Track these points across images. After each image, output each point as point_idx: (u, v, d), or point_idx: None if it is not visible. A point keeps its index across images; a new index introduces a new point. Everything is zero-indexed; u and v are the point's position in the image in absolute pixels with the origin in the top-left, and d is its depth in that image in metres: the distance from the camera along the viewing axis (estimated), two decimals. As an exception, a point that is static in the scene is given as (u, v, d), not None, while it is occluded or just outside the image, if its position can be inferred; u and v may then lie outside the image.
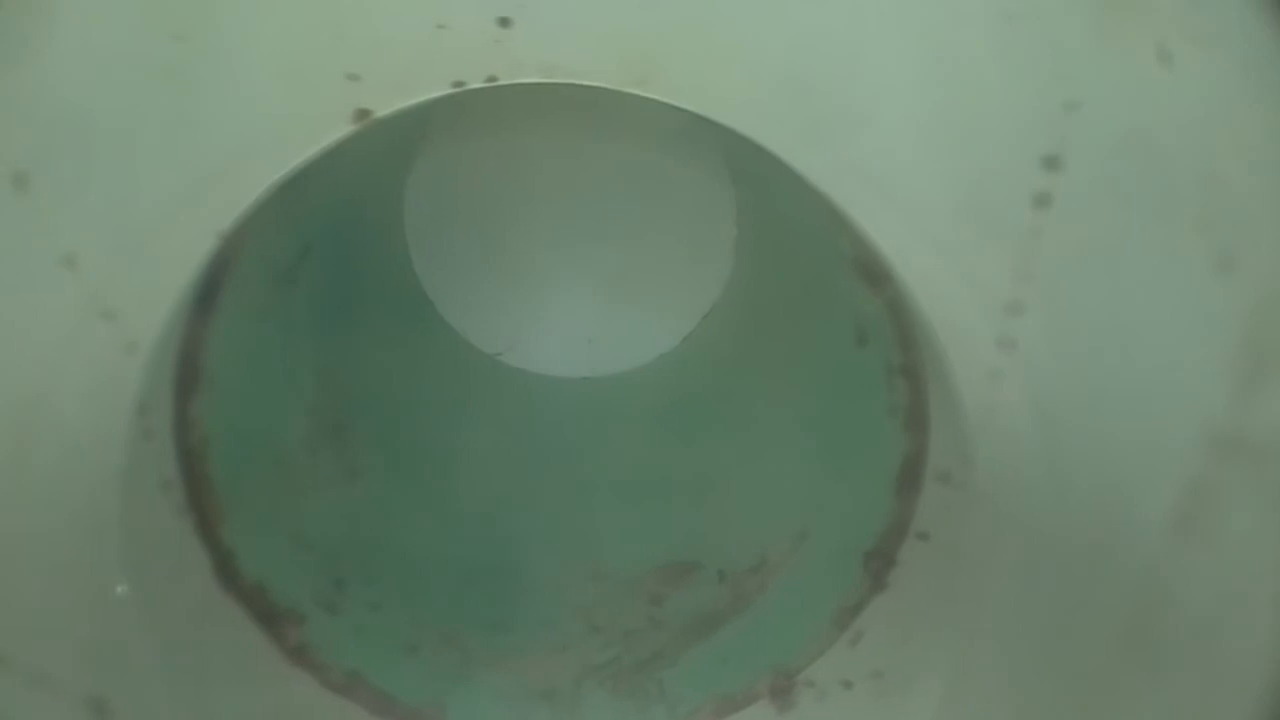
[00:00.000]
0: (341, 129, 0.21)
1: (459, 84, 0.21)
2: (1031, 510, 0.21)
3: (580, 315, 0.39)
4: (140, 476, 0.24)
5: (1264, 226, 0.16)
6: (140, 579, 0.24)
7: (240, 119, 0.20)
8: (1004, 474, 0.21)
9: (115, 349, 0.21)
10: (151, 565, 0.24)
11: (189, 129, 0.20)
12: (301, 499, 0.31)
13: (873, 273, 0.27)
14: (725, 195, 0.37)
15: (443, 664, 0.29)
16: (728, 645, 0.29)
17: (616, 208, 0.38)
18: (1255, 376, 0.17)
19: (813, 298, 0.34)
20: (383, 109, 0.21)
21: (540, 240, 0.38)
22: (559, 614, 0.32)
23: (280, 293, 0.30)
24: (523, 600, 0.32)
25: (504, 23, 0.20)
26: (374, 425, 0.34)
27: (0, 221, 0.19)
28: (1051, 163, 0.18)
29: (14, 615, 0.22)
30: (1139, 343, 0.18)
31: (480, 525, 0.34)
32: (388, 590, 0.31)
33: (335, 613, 0.29)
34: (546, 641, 0.31)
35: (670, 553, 0.33)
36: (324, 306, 0.33)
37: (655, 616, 0.31)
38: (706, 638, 0.30)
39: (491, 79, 0.21)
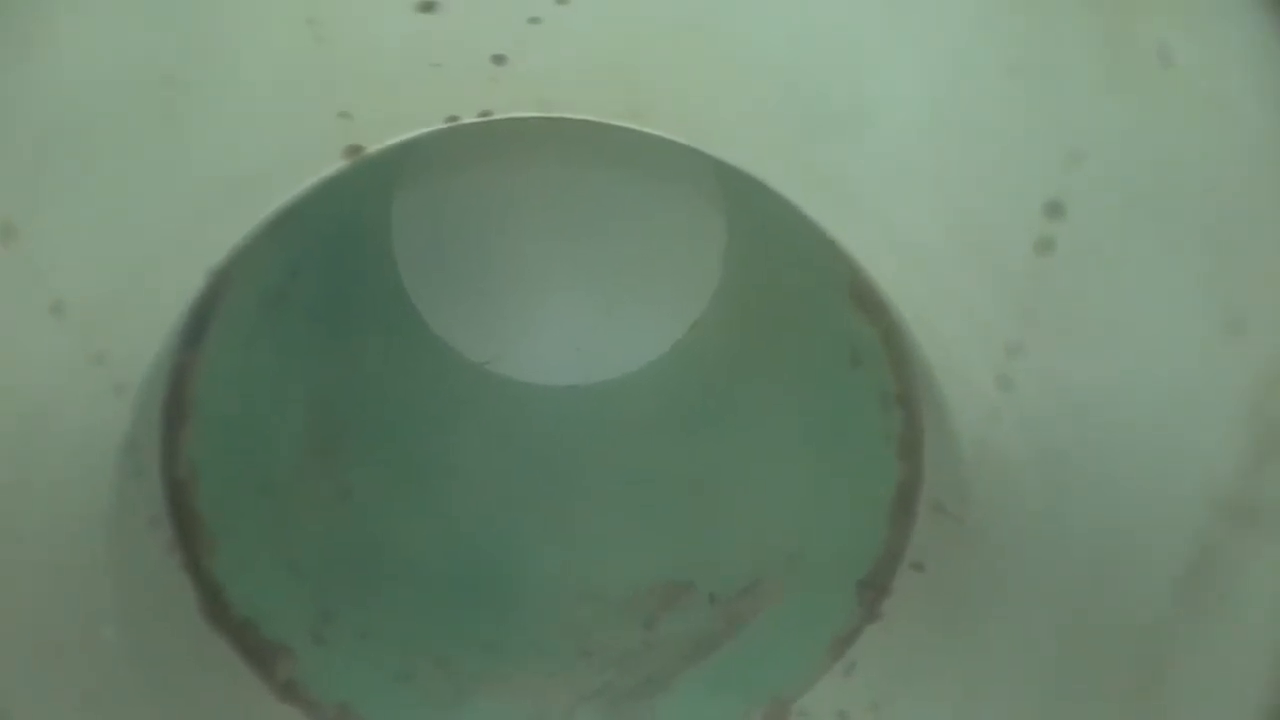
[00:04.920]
0: (332, 164, 0.21)
1: (453, 119, 0.21)
2: (1030, 552, 0.21)
3: (569, 322, 0.39)
4: (129, 515, 0.23)
5: (1276, 289, 0.16)
6: (128, 619, 0.23)
7: (230, 159, 0.20)
8: (1001, 512, 0.21)
9: (104, 391, 0.21)
10: (139, 605, 0.24)
11: (178, 171, 0.19)
12: (291, 524, 0.30)
13: (868, 301, 0.27)
14: (716, 203, 0.37)
15: (434, 692, 0.29)
16: (721, 671, 0.29)
17: (605, 213, 0.38)
18: (1267, 443, 0.16)
19: (805, 313, 0.34)
20: (374, 144, 0.21)
21: (528, 248, 0.38)
22: (552, 636, 0.31)
23: (268, 315, 0.30)
24: (515, 621, 0.32)
25: (499, 60, 0.20)
26: (364, 443, 0.34)
27: (-12, 271, 0.19)
28: (1054, 209, 0.18)
29: (1, 658, 0.22)
30: (1144, 398, 0.18)
31: (472, 543, 0.34)
32: (379, 615, 0.30)
33: (325, 643, 0.28)
34: (539, 666, 0.30)
35: (662, 571, 0.33)
36: (312, 325, 0.33)
37: (648, 640, 0.31)
38: (699, 662, 0.30)
39: (486, 114, 0.21)
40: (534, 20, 0.19)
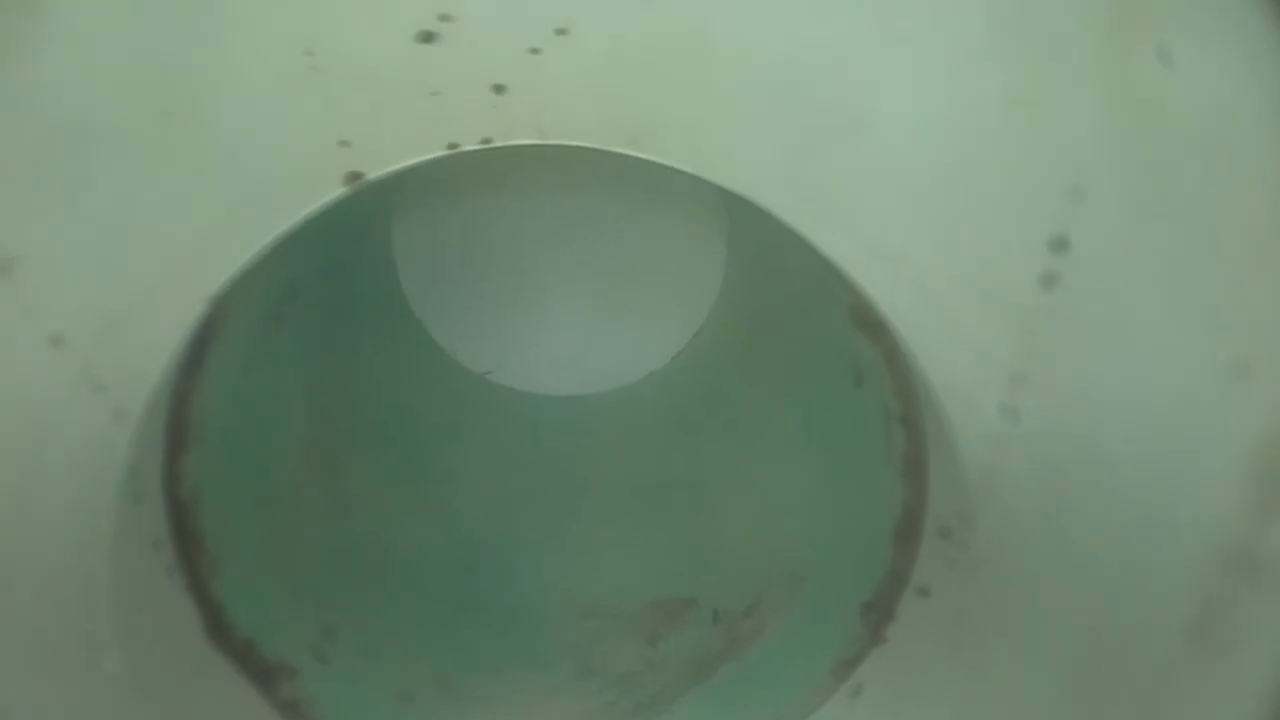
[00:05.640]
0: (332, 191, 0.21)
1: (453, 146, 0.21)
2: (1035, 584, 0.21)
3: (570, 332, 0.39)
4: (131, 540, 0.23)
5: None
6: (131, 643, 0.23)
7: (230, 189, 0.20)
8: (1007, 542, 0.21)
9: (104, 419, 0.21)
10: (142, 628, 0.24)
11: (178, 202, 0.19)
12: (293, 541, 0.30)
13: (869, 323, 0.26)
14: (717, 214, 0.37)
15: (437, 712, 0.29)
16: (724, 692, 0.29)
17: (605, 226, 0.38)
18: (1270, 492, 0.16)
19: (807, 329, 0.34)
20: (374, 171, 0.21)
21: (529, 257, 0.38)
22: (554, 654, 0.31)
23: (267, 333, 0.30)
24: (517, 639, 0.32)
25: (499, 89, 0.20)
26: (366, 457, 0.34)
27: (-14, 306, 0.19)
28: (1059, 244, 0.17)
29: (6, 685, 0.22)
30: (1149, 435, 0.18)
31: (475, 558, 0.34)
32: (381, 634, 0.30)
33: (327, 662, 0.28)
34: (542, 685, 0.30)
35: (664, 587, 0.33)
36: (312, 339, 0.33)
37: (650, 659, 0.31)
38: (702, 682, 0.29)
39: (486, 141, 0.21)
40: (534, 50, 0.19)
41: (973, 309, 0.19)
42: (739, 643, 0.30)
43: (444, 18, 0.18)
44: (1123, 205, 0.17)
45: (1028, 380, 0.19)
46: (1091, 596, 0.19)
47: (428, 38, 0.18)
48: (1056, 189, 0.17)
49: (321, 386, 0.33)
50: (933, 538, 0.25)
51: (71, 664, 0.22)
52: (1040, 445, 0.20)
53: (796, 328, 0.34)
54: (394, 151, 0.20)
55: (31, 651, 0.22)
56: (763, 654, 0.29)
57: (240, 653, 0.26)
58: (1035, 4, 0.16)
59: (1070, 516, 0.20)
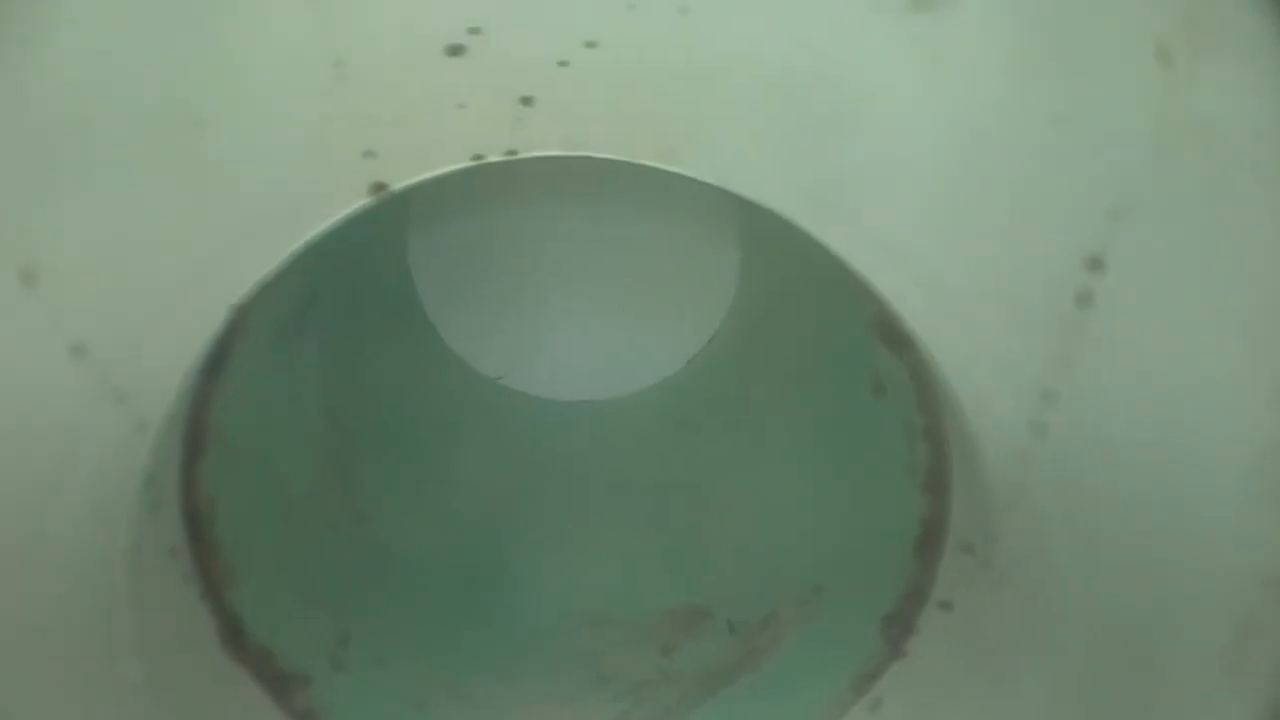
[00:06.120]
0: (357, 202, 0.21)
1: (478, 157, 0.21)
2: (1061, 602, 0.20)
3: (585, 338, 0.39)
4: (149, 547, 0.23)
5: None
6: (149, 651, 0.23)
7: (255, 198, 0.20)
8: (1032, 559, 0.21)
9: (126, 429, 0.21)
10: (160, 637, 0.24)
11: (202, 210, 0.19)
12: (309, 549, 0.30)
13: (893, 335, 0.26)
14: (731, 217, 0.37)
15: (451, 720, 0.29)
16: (741, 704, 0.29)
17: (619, 229, 0.38)
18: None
19: (823, 336, 0.33)
20: (399, 182, 0.21)
21: (544, 263, 0.38)
22: (568, 662, 0.31)
23: (286, 342, 0.30)
24: (531, 646, 0.32)
25: (527, 101, 0.19)
26: (381, 462, 0.34)
27: (10, 316, 0.19)
28: (1095, 263, 0.17)
29: (25, 695, 0.22)
30: (1184, 460, 0.18)
31: (488, 564, 0.34)
32: (395, 641, 0.30)
33: (343, 671, 0.28)
34: (556, 693, 0.30)
35: (677, 596, 0.32)
36: (329, 347, 0.33)
37: (666, 669, 0.30)
38: (718, 693, 0.29)
39: (511, 153, 0.21)
40: (563, 63, 0.19)
41: (1005, 324, 0.19)
42: (755, 654, 0.29)
43: (474, 30, 0.18)
44: (1163, 226, 0.17)
45: (1058, 398, 0.19)
46: (1119, 616, 0.19)
47: (457, 51, 0.18)
48: (1095, 208, 0.17)
49: (337, 393, 0.33)
50: (955, 552, 0.25)
51: (90, 671, 0.22)
52: (1069, 465, 0.20)
53: (812, 336, 0.34)
54: (419, 163, 0.20)
55: (50, 658, 0.22)
56: (780, 666, 0.29)
57: (256, 661, 0.26)
58: (1078, 25, 0.16)
59: (1098, 535, 0.19)
